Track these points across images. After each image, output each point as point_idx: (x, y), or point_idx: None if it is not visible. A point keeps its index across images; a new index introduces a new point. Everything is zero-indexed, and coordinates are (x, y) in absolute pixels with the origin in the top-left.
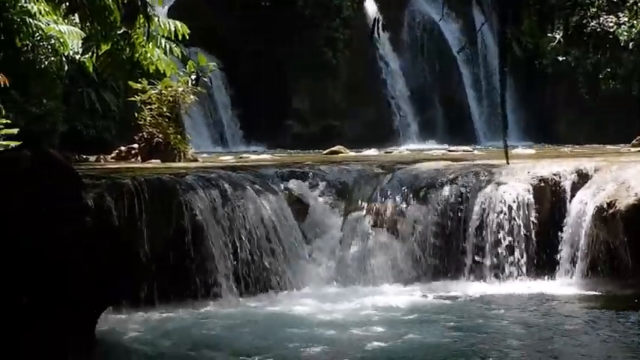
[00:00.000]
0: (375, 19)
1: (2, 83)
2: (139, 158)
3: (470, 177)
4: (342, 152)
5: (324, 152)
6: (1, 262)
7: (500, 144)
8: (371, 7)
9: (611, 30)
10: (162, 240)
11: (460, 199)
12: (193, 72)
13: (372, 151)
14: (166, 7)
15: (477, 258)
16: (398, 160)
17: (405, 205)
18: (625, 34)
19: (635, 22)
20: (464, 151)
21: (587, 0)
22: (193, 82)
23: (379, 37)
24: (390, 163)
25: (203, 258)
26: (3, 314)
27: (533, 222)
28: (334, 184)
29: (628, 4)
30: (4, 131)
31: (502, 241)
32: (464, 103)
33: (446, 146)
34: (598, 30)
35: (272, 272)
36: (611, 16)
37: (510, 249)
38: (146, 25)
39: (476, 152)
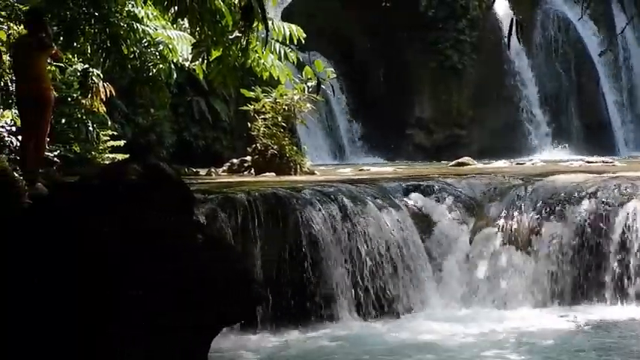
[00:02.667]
0: (511, 20)
1: (108, 93)
2: (252, 171)
3: (611, 191)
4: (469, 164)
5: (450, 164)
6: (105, 282)
7: None
8: (501, 7)
9: None
10: (278, 258)
11: (601, 215)
12: (310, 79)
13: (501, 163)
14: (280, 10)
15: (620, 279)
16: (531, 173)
17: (539, 222)
18: None
19: None
20: (603, 162)
21: None
22: (310, 89)
23: (519, 41)
24: (523, 175)
25: (321, 277)
26: (109, 337)
27: None
28: (462, 198)
29: None
30: (110, 143)
31: None
32: (602, 109)
33: (582, 156)
34: None
35: (395, 293)
36: None
37: None
38: (259, 29)
39: (617, 163)
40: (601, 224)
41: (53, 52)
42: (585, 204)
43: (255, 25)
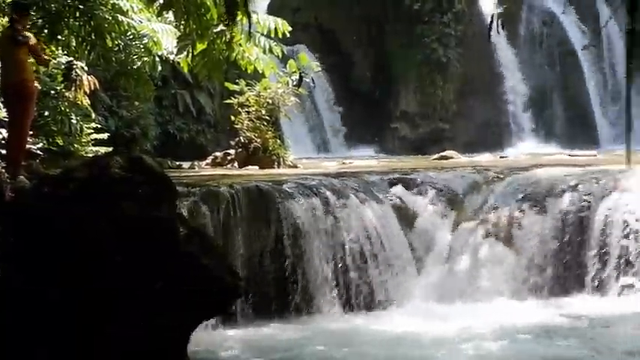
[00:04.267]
0: (492, 15)
1: (92, 85)
2: (236, 164)
3: (592, 184)
4: (452, 157)
5: (434, 157)
6: (84, 272)
7: None
8: (487, 1)
9: None
10: (260, 251)
11: (581, 208)
12: (294, 72)
13: (485, 156)
14: (266, 3)
15: (599, 272)
16: (513, 166)
17: (521, 215)
18: None
19: None
20: (585, 155)
21: None
22: (294, 83)
23: (498, 33)
24: (505, 168)
25: (303, 271)
26: (86, 330)
27: None
28: (444, 191)
29: None
30: (93, 136)
31: (628, 254)
32: (586, 102)
33: (566, 150)
34: None
35: (377, 286)
36: None
37: (638, 263)
38: (243, 22)
39: (600, 157)
40: (581, 217)
41: (31, 46)
42: (566, 197)
43: (239, 18)
